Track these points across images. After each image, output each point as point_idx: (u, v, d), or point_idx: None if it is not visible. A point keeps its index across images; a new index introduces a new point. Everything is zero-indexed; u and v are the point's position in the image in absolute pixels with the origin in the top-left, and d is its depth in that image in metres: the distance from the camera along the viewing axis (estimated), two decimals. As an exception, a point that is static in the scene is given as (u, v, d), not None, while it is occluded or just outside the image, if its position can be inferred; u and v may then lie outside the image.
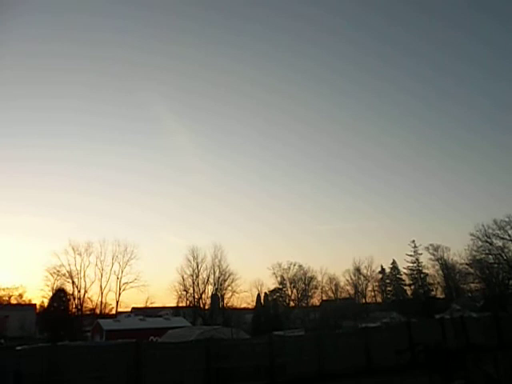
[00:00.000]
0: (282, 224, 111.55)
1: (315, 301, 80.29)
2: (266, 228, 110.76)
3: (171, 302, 72.10)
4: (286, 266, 77.16)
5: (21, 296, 69.37)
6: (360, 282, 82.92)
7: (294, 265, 77.37)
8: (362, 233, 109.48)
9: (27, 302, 67.87)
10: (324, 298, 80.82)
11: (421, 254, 69.11)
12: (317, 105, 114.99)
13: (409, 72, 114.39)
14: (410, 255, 68.64)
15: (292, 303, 77.34)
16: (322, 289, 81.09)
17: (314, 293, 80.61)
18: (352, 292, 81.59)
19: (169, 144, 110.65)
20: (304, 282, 77.85)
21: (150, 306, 72.00)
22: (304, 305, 77.41)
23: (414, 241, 68.09)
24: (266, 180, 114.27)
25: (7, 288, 66.61)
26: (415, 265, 69.01)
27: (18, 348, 17.50)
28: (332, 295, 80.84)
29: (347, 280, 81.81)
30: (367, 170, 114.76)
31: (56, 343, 18.24)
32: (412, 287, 72.35)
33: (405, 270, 72.68)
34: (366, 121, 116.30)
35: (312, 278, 78.24)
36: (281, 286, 76.32)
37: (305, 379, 16.43)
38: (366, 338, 19.38)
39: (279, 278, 76.47)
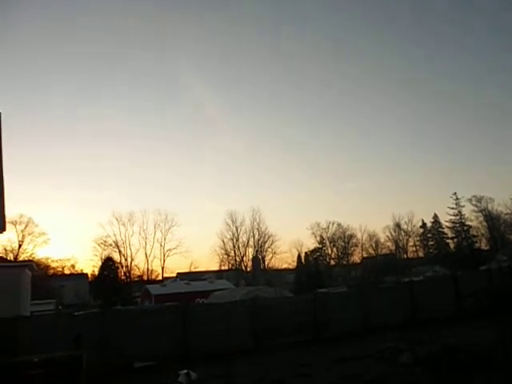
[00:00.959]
0: (319, 183, 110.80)
1: (355, 258, 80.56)
2: (303, 188, 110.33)
3: (214, 266, 74.35)
4: (324, 226, 77.34)
5: (73, 266, 73.20)
6: (401, 238, 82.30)
7: (333, 224, 77.43)
8: (402, 188, 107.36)
9: (79, 271, 71.51)
10: (364, 255, 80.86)
11: (463, 206, 67.49)
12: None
13: None
14: (452, 208, 67.14)
15: (332, 262, 77.88)
16: (362, 246, 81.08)
17: (354, 250, 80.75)
18: (393, 248, 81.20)
19: (202, 112, 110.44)
20: (343, 240, 77.96)
21: (194, 270, 74.49)
22: (344, 263, 77.80)
23: (455, 193, 66.39)
24: (301, 138, 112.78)
25: (60, 260, 70.30)
26: (458, 217, 67.55)
27: (75, 313, 18.46)
28: (372, 252, 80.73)
29: (387, 236, 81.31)
30: (406, 122, 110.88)
31: (110, 308, 19.18)
32: (455, 240, 71.08)
33: (447, 224, 71.33)
34: (404, 69, 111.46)
35: (351, 236, 78.24)
36: (320, 246, 76.78)
37: (349, 334, 16.63)
38: (411, 291, 19.31)
39: (318, 238, 76.87)
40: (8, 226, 27.54)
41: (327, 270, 69.42)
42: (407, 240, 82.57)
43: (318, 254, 75.34)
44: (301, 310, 17.06)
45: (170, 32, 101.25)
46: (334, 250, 78.53)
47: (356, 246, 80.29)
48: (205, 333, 15.27)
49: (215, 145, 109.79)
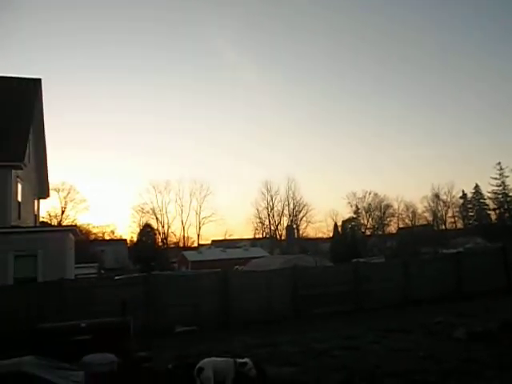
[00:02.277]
0: (355, 151, 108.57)
1: (391, 229, 79.14)
2: (339, 157, 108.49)
3: (248, 234, 74.93)
4: (360, 195, 75.99)
5: (113, 232, 75.43)
6: (439, 209, 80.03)
7: (369, 193, 75.96)
8: (442, 158, 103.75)
9: (118, 237, 73.65)
10: (401, 225, 79.31)
11: (507, 176, 64.57)
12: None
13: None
14: (495, 178, 64.48)
15: (368, 232, 76.86)
16: (398, 216, 79.43)
17: (391, 221, 79.28)
18: (430, 219, 79.17)
19: (237, 80, 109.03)
20: (380, 210, 76.52)
21: (229, 238, 75.31)
22: (380, 233, 76.64)
23: (499, 163, 63.57)
24: (337, 107, 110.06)
25: (100, 226, 72.51)
26: (501, 188, 64.88)
27: (116, 278, 18.81)
28: (409, 223, 78.97)
29: (425, 207, 79.20)
30: (446, 92, 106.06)
31: (151, 273, 19.43)
32: (497, 211, 68.50)
33: (489, 195, 68.73)
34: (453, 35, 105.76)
35: (388, 206, 76.66)
36: (356, 215, 75.72)
37: (391, 306, 16.18)
38: (456, 262, 18.54)
39: (354, 208, 75.72)
40: (51, 192, 28.31)
41: (363, 240, 68.64)
42: (446, 211, 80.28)
43: (354, 223, 74.41)
44: (341, 280, 16.70)
45: None
46: (370, 219, 77.34)
47: (392, 216, 78.76)
48: (245, 300, 15.18)
49: (251, 114, 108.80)
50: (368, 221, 77.27)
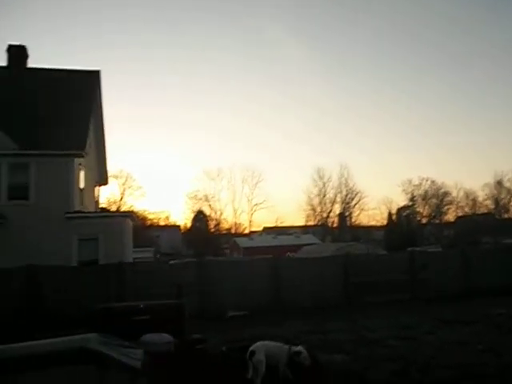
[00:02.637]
0: (411, 137, 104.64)
1: (449, 217, 75.80)
2: (395, 143, 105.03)
3: (300, 222, 74.69)
4: (416, 182, 73.25)
5: (167, 218, 77.79)
6: (502, 196, 75.66)
7: (426, 180, 73.06)
8: (505, 144, 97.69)
9: (173, 223, 75.91)
10: (459, 213, 75.80)
11: None
12: None
13: None
14: None
15: (424, 220, 74.21)
16: (457, 204, 75.75)
17: (449, 209, 75.81)
18: (492, 207, 75.07)
19: (288, 66, 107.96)
20: (437, 197, 73.53)
21: (280, 225, 75.48)
22: (437, 221, 73.76)
23: None
24: (391, 89, 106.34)
25: (156, 212, 75.02)
26: None
27: (171, 262, 19.44)
28: (468, 211, 75.27)
29: (486, 194, 74.96)
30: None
31: (204, 258, 19.91)
32: None
33: (561, 180, 63.92)
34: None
35: (446, 194, 73.38)
36: (411, 203, 73.24)
37: (449, 296, 15.61)
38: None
39: (409, 195, 73.18)
40: (110, 179, 29.60)
41: (418, 229, 66.42)
42: (510, 199, 75.73)
43: (409, 211, 72.02)
44: (396, 268, 16.33)
45: None
46: (426, 207, 74.47)
47: (450, 204, 75.27)
48: (296, 286, 15.21)
49: (303, 99, 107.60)
50: (424, 209, 74.42)
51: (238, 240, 58.74)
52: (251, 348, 6.34)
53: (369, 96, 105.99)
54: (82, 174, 19.66)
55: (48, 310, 13.45)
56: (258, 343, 6.55)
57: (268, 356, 6.28)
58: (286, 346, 6.53)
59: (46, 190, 17.61)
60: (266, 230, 74.69)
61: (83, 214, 18.81)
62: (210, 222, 66.86)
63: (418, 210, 73.66)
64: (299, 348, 6.35)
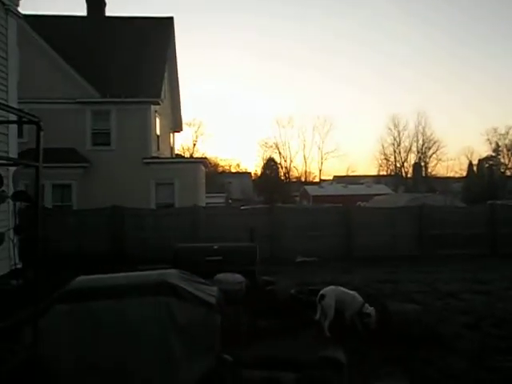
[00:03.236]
0: (496, 82, 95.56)
1: (538, 169, 69.67)
2: (478, 88, 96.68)
3: (372, 171, 72.63)
4: (503, 131, 67.53)
5: (238, 165, 79.27)
6: None
7: (514, 129, 67.03)
8: None
9: (244, 170, 77.27)
10: (550, 165, 69.26)
11: None
12: None
13: None
14: None
15: (508, 172, 68.88)
16: (547, 155, 69.28)
17: (539, 161, 69.60)
18: None
19: (362, 16, 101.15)
20: (525, 148, 67.48)
21: (351, 174, 74.01)
22: (523, 174, 68.13)
23: None
24: (473, 34, 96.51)
25: (227, 159, 76.63)
26: None
27: (242, 208, 19.95)
28: (560, 162, 68.49)
29: None
30: None
31: (275, 205, 20.21)
32: None
33: None
34: None
35: (536, 143, 67.11)
36: (495, 154, 67.99)
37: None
38: None
39: (494, 145, 67.85)
40: (184, 126, 30.37)
41: (502, 181, 61.94)
42: None
43: (492, 162, 67.07)
44: (475, 222, 15.48)
45: None
46: (512, 159, 68.83)
47: (540, 154, 68.92)
48: (367, 235, 15.04)
49: (378, 44, 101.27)
50: (510, 160, 68.97)
51: (308, 188, 58.68)
52: (322, 291, 6.44)
53: (447, 37, 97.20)
54: (157, 121, 20.37)
55: (131, 247, 14.59)
56: (329, 288, 6.62)
57: (338, 301, 6.36)
58: (360, 299, 6.42)
59: (126, 136, 18.55)
60: (337, 178, 73.64)
61: (159, 160, 19.67)
62: (280, 169, 67.12)
63: (502, 161, 68.41)
64: (370, 310, 6.22)
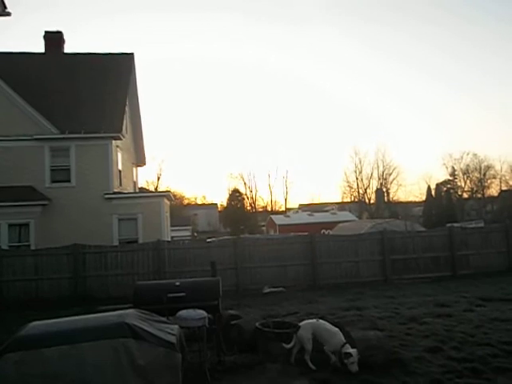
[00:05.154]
0: (451, 110, 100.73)
1: (492, 191, 73.04)
2: (432, 115, 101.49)
3: (336, 199, 74.12)
4: (457, 156, 70.80)
5: (204, 198, 79.10)
6: (550, 169, 71.83)
7: (468, 154, 70.48)
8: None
9: (210, 202, 77.11)
10: (503, 187, 72.84)
11: None
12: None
13: None
14: None
15: (465, 195, 71.81)
16: (500, 178, 72.81)
17: (492, 183, 72.97)
18: (539, 180, 71.57)
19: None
20: (479, 171, 70.84)
21: (316, 202, 75.19)
22: (479, 196, 71.20)
23: None
24: (433, 57, 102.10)
25: (192, 191, 76.40)
26: None
27: (208, 240, 19.79)
28: (513, 185, 72.12)
29: (532, 167, 71.50)
30: None
31: (239, 236, 20.17)
32: None
33: None
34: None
35: (489, 167, 70.60)
36: (452, 178, 70.94)
37: (491, 273, 15.21)
38: None
39: (450, 169, 70.90)
40: (148, 160, 30.17)
41: (459, 204, 64.48)
42: (557, 171, 71.90)
43: (449, 186, 69.86)
44: (434, 245, 15.99)
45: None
46: (468, 182, 71.98)
47: (494, 178, 72.38)
48: (332, 263, 15.25)
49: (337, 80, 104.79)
50: (466, 183, 72.03)
51: (274, 217, 58.96)
52: (300, 324, 6.46)
53: (406, 63, 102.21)
54: (119, 156, 20.17)
55: (93, 286, 14.16)
56: (307, 321, 6.57)
57: (316, 335, 6.28)
58: (340, 339, 6.13)
59: (86, 172, 18.22)
60: (302, 207, 74.58)
61: (122, 195, 19.37)
62: (245, 200, 67.39)
63: (458, 184, 71.42)
64: (352, 351, 5.89)
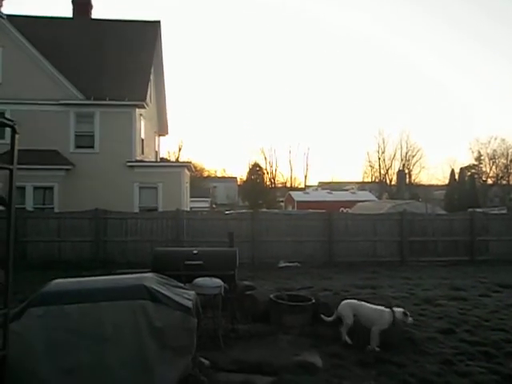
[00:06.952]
0: (478, 89, 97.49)
1: (518, 178, 71.09)
2: (460, 99, 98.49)
3: (356, 178, 73.35)
4: (484, 141, 68.84)
5: (224, 171, 79.29)
6: None
7: (495, 138, 68.40)
8: None
9: (229, 175, 77.28)
10: (530, 175, 70.74)
11: None
12: None
13: None
14: None
15: (490, 181, 70.14)
16: (527, 165, 70.73)
17: (518, 170, 71.00)
18: None
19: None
20: (506, 157, 68.86)
21: (336, 180, 74.56)
22: (504, 182, 69.47)
23: None
24: (457, 43, 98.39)
25: (213, 163, 76.64)
26: None
27: (227, 212, 19.97)
28: (539, 172, 69.97)
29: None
30: None
31: (258, 210, 20.27)
32: None
33: None
34: None
35: (516, 153, 68.49)
36: (477, 163, 69.21)
37: (511, 260, 14.98)
38: None
39: (476, 154, 69.11)
40: (170, 130, 30.29)
41: (483, 189, 63.06)
42: None
43: (474, 171, 68.24)
44: (455, 229, 15.78)
45: None
46: (494, 168, 70.13)
47: (521, 164, 70.31)
48: (348, 242, 15.22)
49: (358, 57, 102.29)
50: (491, 169, 70.21)
51: (293, 193, 58.87)
52: (342, 302, 6.29)
53: (430, 45, 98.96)
54: (142, 125, 20.31)
55: (113, 250, 14.53)
56: (346, 301, 6.36)
57: (360, 316, 6.08)
58: (387, 313, 5.97)
59: (110, 139, 18.44)
60: (322, 185, 74.13)
61: (143, 163, 19.60)
62: (265, 174, 67.27)
63: (484, 170, 69.71)
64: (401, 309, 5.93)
